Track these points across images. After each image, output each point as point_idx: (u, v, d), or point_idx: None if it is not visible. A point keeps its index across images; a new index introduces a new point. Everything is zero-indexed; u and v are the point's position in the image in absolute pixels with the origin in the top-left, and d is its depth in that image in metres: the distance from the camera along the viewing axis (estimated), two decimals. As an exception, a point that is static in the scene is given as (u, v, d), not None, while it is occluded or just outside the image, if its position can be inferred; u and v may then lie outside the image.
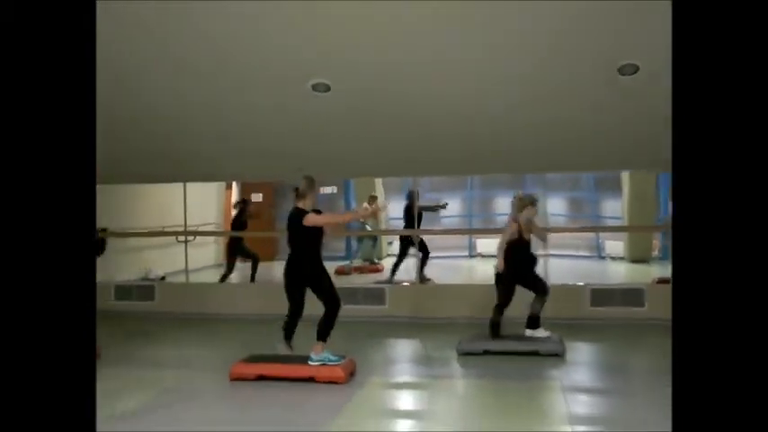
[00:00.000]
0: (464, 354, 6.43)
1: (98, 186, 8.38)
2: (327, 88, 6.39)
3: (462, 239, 15.98)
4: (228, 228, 15.49)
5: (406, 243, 10.16)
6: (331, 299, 5.55)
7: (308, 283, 5.58)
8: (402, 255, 10.31)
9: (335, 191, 15.92)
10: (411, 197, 10.39)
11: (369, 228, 12.78)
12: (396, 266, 10.23)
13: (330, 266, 13.76)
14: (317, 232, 5.58)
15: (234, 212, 10.73)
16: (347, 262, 14.23)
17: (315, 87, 6.38)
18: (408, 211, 10.21)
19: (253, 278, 10.21)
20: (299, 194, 5.66)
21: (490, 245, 15.35)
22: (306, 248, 5.57)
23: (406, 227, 10.15)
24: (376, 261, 13.90)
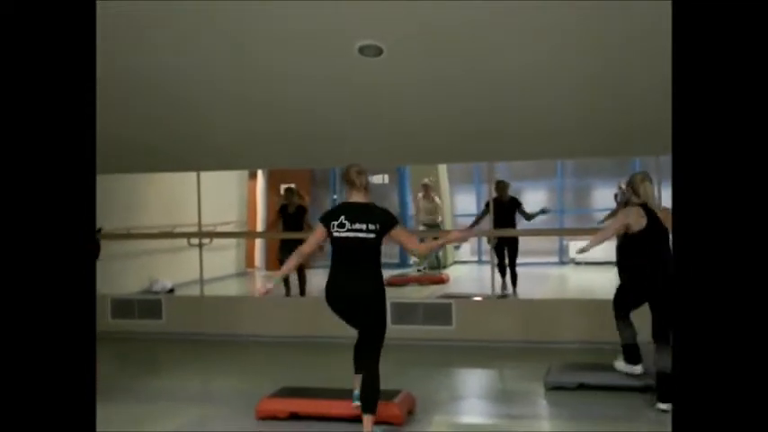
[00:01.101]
0: (553, 388, 6.39)
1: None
2: (379, 51, 6.41)
3: (550, 242, 15.88)
4: (255, 227, 15.84)
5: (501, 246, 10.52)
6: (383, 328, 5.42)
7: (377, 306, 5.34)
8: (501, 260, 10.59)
9: (386, 180, 16.01)
10: (502, 189, 10.50)
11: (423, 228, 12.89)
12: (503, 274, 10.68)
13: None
14: None
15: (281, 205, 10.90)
16: (404, 270, 14.33)
17: (362, 50, 6.41)
18: (500, 207, 10.31)
19: (302, 291, 10.44)
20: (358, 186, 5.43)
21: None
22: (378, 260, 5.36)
23: (497, 226, 10.16)
24: (438, 270, 13.95)
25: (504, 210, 10.41)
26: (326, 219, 5.32)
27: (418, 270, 14.03)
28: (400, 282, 12.85)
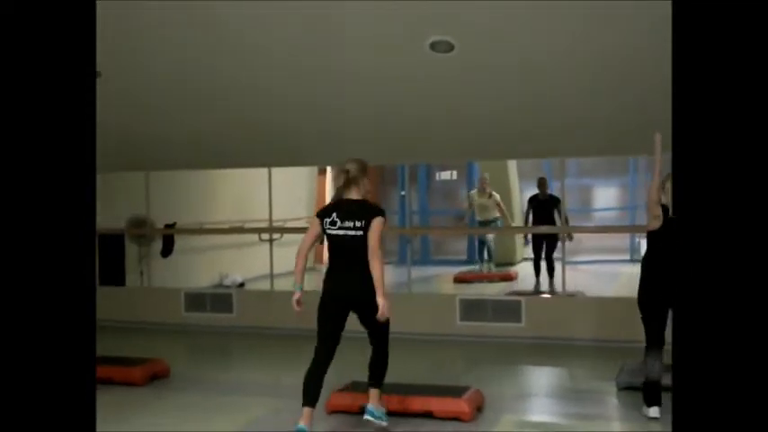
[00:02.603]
0: (625, 388, 6.32)
1: (165, 173, 8.85)
2: (450, 47, 6.41)
3: (621, 239, 15.65)
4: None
5: None
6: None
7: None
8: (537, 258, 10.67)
9: (455, 176, 15.96)
10: (542, 186, 10.92)
11: (499, 224, 12.73)
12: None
13: (449, 272, 13.84)
14: None
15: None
16: (471, 267, 14.25)
17: (434, 47, 6.42)
18: (539, 204, 10.73)
19: None
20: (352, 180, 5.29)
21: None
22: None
23: (537, 222, 10.32)
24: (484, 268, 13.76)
25: (543, 206, 10.72)
26: (320, 215, 5.31)
27: (479, 268, 13.88)
28: (468, 278, 12.81)
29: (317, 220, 5.29)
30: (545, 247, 11.01)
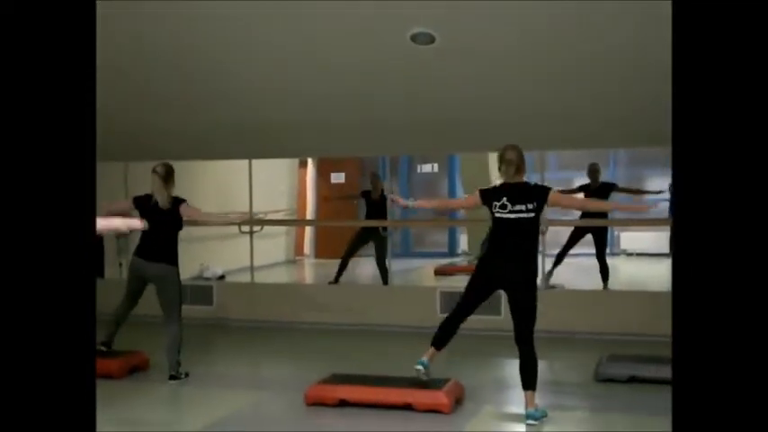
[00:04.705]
0: (604, 380, 6.35)
1: (144, 164, 8.75)
2: (431, 39, 6.41)
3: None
4: (304, 216, 15.94)
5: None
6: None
7: None
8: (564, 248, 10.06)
9: (436, 169, 15.97)
10: (594, 173, 10.00)
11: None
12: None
13: (429, 265, 13.83)
14: None
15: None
16: (452, 260, 14.26)
17: (415, 38, 6.41)
18: (590, 194, 9.72)
19: (337, 279, 10.49)
20: None
21: (638, 240, 15.08)
22: None
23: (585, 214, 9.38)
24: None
25: (598, 196, 9.64)
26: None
27: (468, 261, 13.92)
28: (448, 271, 12.81)
29: (477, 196, 5.61)
30: (594, 241, 10.07)
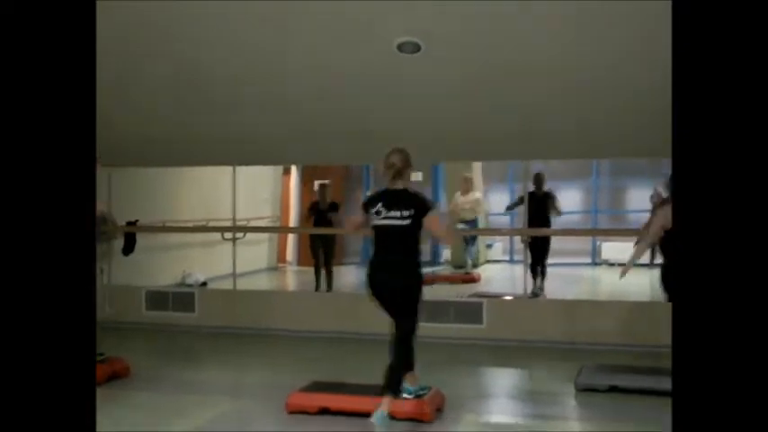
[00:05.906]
0: (584, 389, 6.36)
1: (127, 170, 8.75)
2: (417, 48, 6.43)
3: (583, 243, 15.78)
4: (288, 223, 15.94)
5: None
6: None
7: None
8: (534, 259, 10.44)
9: (420, 177, 15.99)
10: (539, 181, 10.55)
11: (464, 226, 12.80)
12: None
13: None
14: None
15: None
16: (434, 268, 14.28)
17: (401, 47, 6.43)
18: (534, 201, 10.08)
19: (330, 286, 10.74)
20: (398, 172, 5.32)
21: (620, 250, 15.13)
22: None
23: (531, 221, 9.69)
24: (470, 269, 13.86)
25: (538, 204, 10.18)
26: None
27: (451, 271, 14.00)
28: (430, 280, 12.79)
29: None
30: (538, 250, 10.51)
